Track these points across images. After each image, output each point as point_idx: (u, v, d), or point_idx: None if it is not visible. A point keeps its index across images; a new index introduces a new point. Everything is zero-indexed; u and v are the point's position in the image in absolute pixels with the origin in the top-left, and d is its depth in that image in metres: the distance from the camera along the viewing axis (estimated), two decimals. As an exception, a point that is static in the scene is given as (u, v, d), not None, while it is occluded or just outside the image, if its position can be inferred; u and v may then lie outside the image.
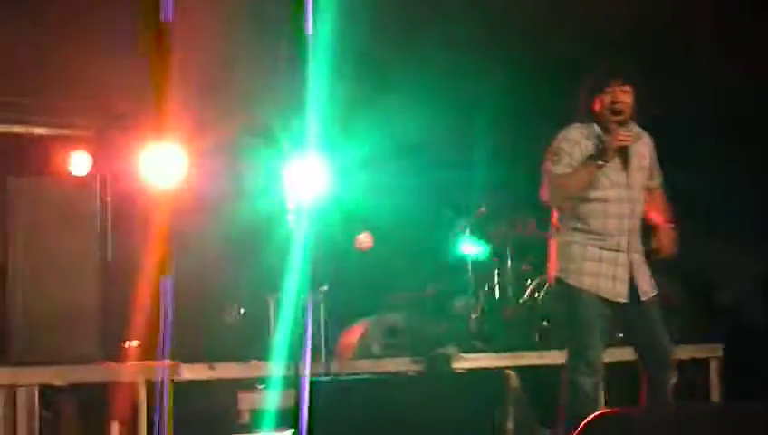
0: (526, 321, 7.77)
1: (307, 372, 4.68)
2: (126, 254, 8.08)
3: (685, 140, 7.37)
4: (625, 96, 5.06)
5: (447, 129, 9.07)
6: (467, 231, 8.12)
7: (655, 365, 5.02)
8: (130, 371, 6.26)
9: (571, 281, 5.03)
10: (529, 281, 8.00)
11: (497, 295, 8.04)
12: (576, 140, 5.07)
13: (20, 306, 5.87)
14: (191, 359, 6.69)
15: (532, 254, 8.23)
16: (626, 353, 5.58)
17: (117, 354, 6.45)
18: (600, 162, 4.97)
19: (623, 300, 5.02)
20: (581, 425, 3.60)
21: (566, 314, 5.11)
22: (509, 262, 8.02)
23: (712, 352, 7.61)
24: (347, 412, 4.10)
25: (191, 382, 6.59)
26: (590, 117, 5.13)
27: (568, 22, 8.32)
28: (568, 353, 5.09)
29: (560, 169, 5.03)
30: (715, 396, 7.59)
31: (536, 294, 7.83)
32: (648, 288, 5.09)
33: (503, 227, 8.22)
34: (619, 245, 5.05)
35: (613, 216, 5.04)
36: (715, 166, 7.95)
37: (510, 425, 3.50)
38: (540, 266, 8.04)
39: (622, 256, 5.04)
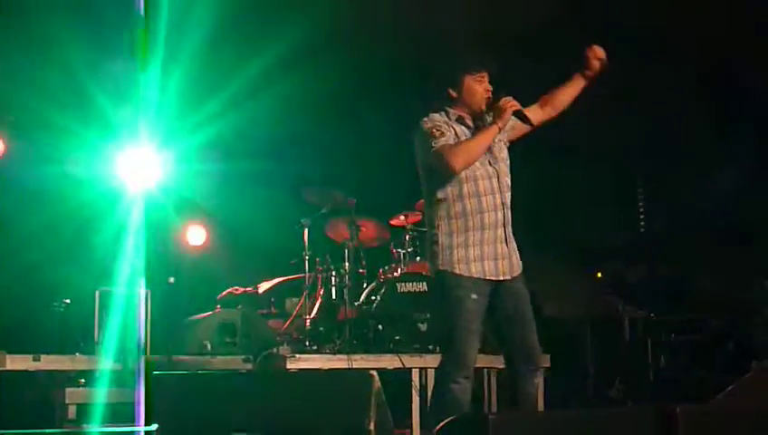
0: (361, 323, 7.73)
1: (141, 366, 4.52)
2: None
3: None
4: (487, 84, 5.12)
5: (288, 124, 9.00)
6: (308, 229, 8.00)
7: (526, 363, 4.95)
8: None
9: (458, 271, 4.87)
10: (365, 284, 7.97)
11: (333, 297, 7.96)
12: (446, 121, 5.04)
13: None
14: (15, 349, 6.44)
15: (369, 257, 8.24)
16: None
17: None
18: (500, 124, 4.95)
19: (507, 277, 4.97)
20: (439, 426, 3.58)
21: (447, 312, 4.88)
22: (346, 264, 7.95)
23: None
24: (186, 409, 3.95)
25: (16, 373, 6.33)
26: (449, 103, 5.11)
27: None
28: (445, 352, 4.95)
29: (450, 139, 4.96)
30: (540, 405, 7.72)
31: (372, 297, 7.81)
32: (518, 262, 5.08)
33: (343, 228, 8.16)
34: (497, 220, 4.99)
35: (486, 192, 4.99)
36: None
37: (372, 426, 3.43)
38: (376, 270, 8.11)
39: (500, 232, 4.99)
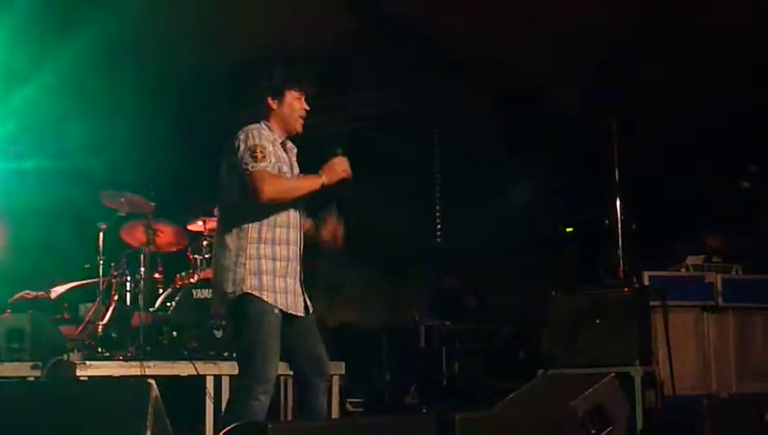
0: (156, 330, 7.63)
1: None
2: None
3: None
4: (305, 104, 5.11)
5: (88, 125, 8.83)
6: (103, 233, 7.85)
7: (316, 375, 5.00)
8: None
9: (264, 298, 4.80)
10: (161, 289, 7.88)
11: (128, 303, 7.83)
12: (270, 140, 4.93)
13: None
14: None
15: (166, 262, 8.15)
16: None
17: None
18: (326, 181, 4.90)
19: (301, 314, 4.97)
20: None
21: (248, 330, 4.79)
22: (142, 269, 7.83)
23: (335, 370, 7.79)
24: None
25: None
26: (265, 114, 5.07)
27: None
28: (244, 369, 4.84)
29: (270, 166, 4.83)
30: (336, 411, 7.80)
31: (168, 303, 7.72)
32: (309, 302, 5.09)
33: (139, 233, 8.04)
34: (290, 255, 4.97)
35: (290, 225, 4.95)
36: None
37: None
38: (172, 275, 8.01)
39: (292, 266, 4.97)
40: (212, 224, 8.11)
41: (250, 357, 4.81)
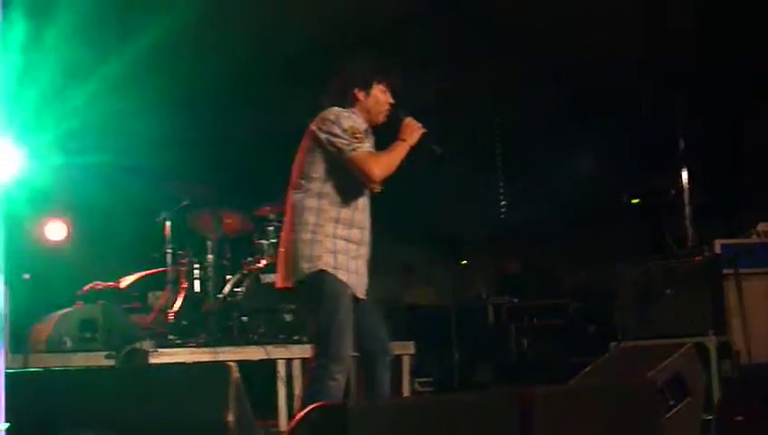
0: (225, 316, 7.67)
1: (1, 365, 4.39)
2: None
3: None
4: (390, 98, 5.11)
5: (151, 115, 8.87)
6: (170, 222, 7.89)
7: (380, 352, 5.02)
8: None
9: (339, 276, 4.83)
10: (229, 275, 7.90)
11: (197, 290, 7.87)
12: (361, 123, 4.98)
13: None
14: None
15: (233, 248, 8.17)
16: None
17: None
18: (411, 142, 4.92)
19: (364, 297, 5.00)
20: (298, 416, 3.57)
21: (324, 309, 4.81)
22: (209, 256, 7.86)
23: (404, 350, 7.79)
24: (41, 407, 3.85)
25: None
26: (350, 104, 5.08)
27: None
28: (321, 349, 4.83)
29: (367, 147, 4.92)
30: (407, 391, 7.81)
31: (236, 290, 7.75)
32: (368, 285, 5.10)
33: (205, 220, 8.07)
34: (363, 239, 5.02)
35: (361, 209, 4.99)
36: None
37: (231, 419, 3.39)
38: (239, 261, 8.04)
39: (363, 251, 5.02)
40: (278, 209, 8.14)
41: (326, 336, 4.81)
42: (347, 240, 4.93)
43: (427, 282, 10.77)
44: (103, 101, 8.26)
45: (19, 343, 6.92)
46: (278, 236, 7.92)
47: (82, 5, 7.61)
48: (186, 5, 7.79)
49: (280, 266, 5.07)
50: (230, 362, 3.54)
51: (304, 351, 7.15)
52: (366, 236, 5.05)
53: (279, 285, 5.06)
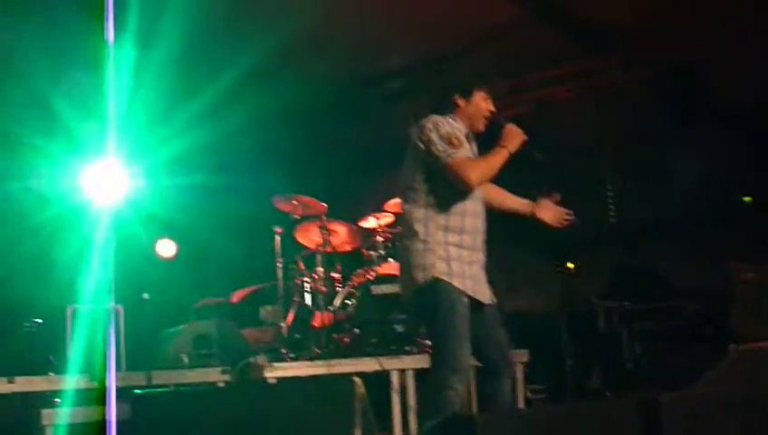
0: (337, 328, 7.68)
1: (113, 384, 4.45)
2: None
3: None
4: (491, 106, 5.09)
5: (254, 133, 8.95)
6: (279, 237, 7.92)
7: (501, 362, 4.97)
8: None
9: (455, 283, 4.80)
10: (339, 288, 7.91)
11: (308, 303, 7.89)
12: (460, 129, 4.97)
13: None
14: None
15: (342, 261, 8.18)
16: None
17: None
18: (511, 148, 4.90)
19: (486, 302, 4.96)
20: (432, 428, 3.54)
21: (440, 318, 4.78)
22: (319, 269, 7.88)
23: (518, 358, 7.71)
24: (168, 426, 3.89)
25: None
26: (450, 110, 5.06)
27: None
28: (438, 359, 4.82)
29: (464, 153, 4.89)
30: (521, 398, 7.73)
31: (347, 302, 7.75)
32: (490, 290, 5.06)
33: (314, 234, 8.10)
34: (475, 244, 4.99)
35: (471, 214, 4.96)
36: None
37: (358, 433, 3.39)
38: (349, 273, 8.05)
39: (478, 256, 4.99)
40: (385, 220, 8.14)
41: (443, 346, 4.79)
42: (459, 246, 4.89)
43: (533, 287, 10.64)
44: (209, 121, 8.37)
45: (139, 360, 7.01)
46: (386, 248, 8.01)
47: (187, 31, 7.73)
48: (286, 27, 7.85)
49: (399, 278, 5.09)
50: (355, 377, 3.53)
51: (417, 361, 7.14)
52: (479, 240, 4.99)
53: (401, 296, 5.07)
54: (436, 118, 4.97)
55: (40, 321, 7.58)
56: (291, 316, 7.83)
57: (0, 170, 8.29)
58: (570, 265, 10.38)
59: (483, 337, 4.92)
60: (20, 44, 7.88)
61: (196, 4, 7.60)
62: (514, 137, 4.97)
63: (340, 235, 8.21)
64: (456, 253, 4.87)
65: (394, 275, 7.74)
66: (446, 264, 4.83)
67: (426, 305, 4.88)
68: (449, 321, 4.78)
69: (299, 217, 8.02)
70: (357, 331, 7.62)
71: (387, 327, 7.61)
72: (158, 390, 6.26)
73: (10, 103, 8.02)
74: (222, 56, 8.15)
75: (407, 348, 7.40)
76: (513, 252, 9.75)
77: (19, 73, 8.00)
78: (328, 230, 7.98)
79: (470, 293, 4.85)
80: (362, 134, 9.28)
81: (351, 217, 8.28)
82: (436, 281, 4.81)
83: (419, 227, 4.90)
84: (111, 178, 7.05)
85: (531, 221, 5.33)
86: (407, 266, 4.93)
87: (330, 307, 7.76)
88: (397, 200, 8.03)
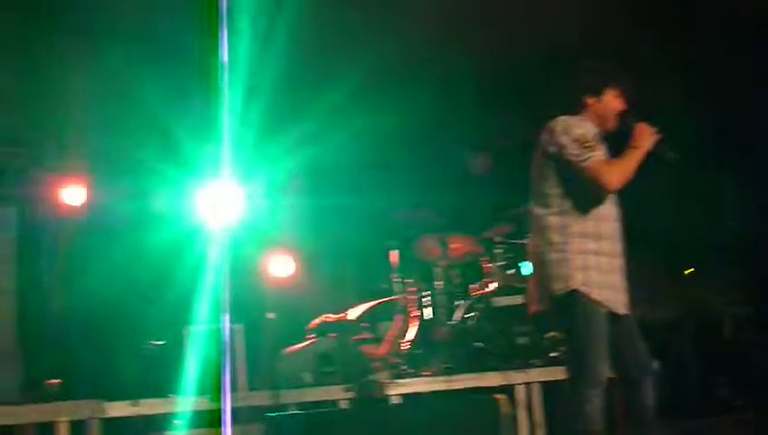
0: (458, 343, 7.55)
1: (227, 404, 4.42)
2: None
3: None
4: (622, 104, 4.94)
5: (366, 151, 8.92)
6: (396, 251, 7.83)
7: (643, 372, 4.81)
8: (52, 411, 5.90)
9: (593, 295, 4.67)
10: (459, 301, 7.78)
11: (428, 317, 7.78)
12: (592, 130, 4.83)
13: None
14: (112, 396, 6.38)
15: (461, 273, 8.06)
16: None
17: (37, 394, 6.10)
18: (645, 149, 4.76)
19: (624, 312, 4.81)
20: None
21: (577, 331, 4.67)
22: (438, 283, 7.77)
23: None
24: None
25: (116, 420, 6.28)
26: (580, 111, 4.92)
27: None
28: (576, 372, 4.68)
29: (599, 155, 4.75)
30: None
31: (467, 315, 7.62)
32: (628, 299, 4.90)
33: (432, 247, 7.99)
34: (614, 250, 4.84)
35: (607, 219, 4.82)
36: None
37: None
38: (468, 286, 7.92)
39: (617, 262, 4.84)
40: (503, 230, 8.00)
41: (580, 358, 4.64)
42: (597, 254, 4.73)
43: (654, 295, 10.38)
44: (323, 137, 8.36)
45: (261, 379, 6.98)
46: (506, 258, 7.87)
47: (299, 48, 7.75)
48: (400, 40, 7.80)
49: (531, 290, 4.92)
50: (498, 396, 3.41)
51: (543, 374, 6.98)
52: (618, 246, 4.83)
53: (532, 309, 4.91)
54: (565, 119, 4.83)
55: (159, 342, 7.61)
56: (411, 332, 7.72)
57: (119, 193, 8.39)
58: (689, 271, 10.14)
59: (621, 348, 4.76)
60: (137, 70, 7.99)
61: (308, 21, 7.62)
62: (647, 136, 4.81)
63: (459, 247, 8.08)
64: (595, 261, 4.71)
65: (515, 286, 7.63)
66: (584, 274, 4.68)
67: (562, 316, 4.73)
68: (587, 334, 4.64)
69: (416, 230, 7.92)
70: (479, 344, 7.47)
71: (510, 340, 7.44)
72: (294, 413, 6.21)
73: (129, 127, 8.12)
74: (333, 71, 8.12)
75: (531, 361, 7.24)
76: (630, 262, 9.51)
77: (136, 97, 8.09)
78: (446, 243, 7.86)
79: (608, 304, 4.69)
80: (476, 143, 9.14)
81: (470, 229, 8.15)
82: (574, 292, 4.66)
83: (555, 236, 4.75)
84: (226, 199, 7.05)
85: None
86: (542, 277, 4.78)
87: (450, 321, 7.63)
88: (517, 210, 7.93)
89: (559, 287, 4.69)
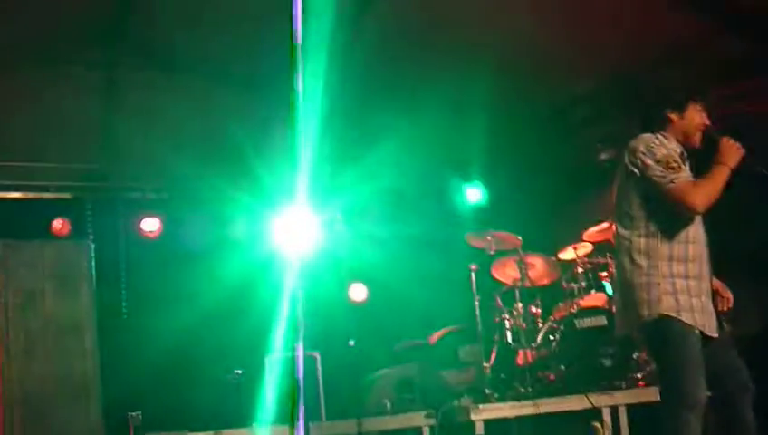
0: (542, 365, 7.40)
1: (301, 431, 4.32)
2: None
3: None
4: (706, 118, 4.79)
5: (435, 179, 8.88)
6: (475, 274, 7.70)
7: (741, 389, 4.64)
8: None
9: (684, 318, 4.48)
10: (541, 323, 7.64)
11: (509, 341, 7.64)
12: (675, 149, 4.69)
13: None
14: (196, 426, 6.38)
15: (541, 295, 7.91)
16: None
17: (120, 426, 6.11)
18: (732, 165, 4.56)
19: (715, 335, 4.61)
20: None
21: (671, 355, 4.50)
22: (518, 305, 7.64)
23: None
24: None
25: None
26: (662, 127, 4.78)
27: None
28: (672, 396, 4.50)
29: (685, 175, 4.59)
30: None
31: (550, 337, 7.47)
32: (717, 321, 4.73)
33: (511, 269, 7.87)
34: (702, 272, 4.69)
35: (694, 240, 4.65)
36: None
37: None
38: (550, 308, 7.77)
39: (705, 285, 4.68)
40: (584, 250, 7.85)
41: (675, 382, 4.46)
42: (685, 277, 4.56)
43: (740, 309, 10.10)
44: (397, 164, 8.33)
45: (342, 406, 6.93)
46: (587, 279, 7.71)
47: (361, 86, 7.74)
48: (472, 63, 7.74)
49: (617, 313, 4.78)
50: (596, 424, 3.29)
51: (629, 396, 6.81)
52: (705, 268, 4.65)
53: (618, 332, 4.77)
54: (647, 138, 4.66)
55: (240, 372, 7.59)
56: (493, 355, 7.59)
57: (197, 222, 8.43)
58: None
59: (716, 367, 4.59)
60: (220, 99, 8.05)
61: (382, 48, 7.60)
62: (733, 152, 4.64)
63: (538, 268, 7.95)
64: (683, 285, 4.55)
65: (597, 308, 7.47)
66: (673, 298, 4.52)
67: (652, 341, 4.59)
68: (681, 360, 4.47)
69: (494, 253, 7.79)
70: (563, 367, 7.31)
71: (594, 362, 7.27)
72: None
73: (208, 155, 8.17)
74: (406, 100, 8.10)
75: (616, 383, 7.06)
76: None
77: (217, 128, 8.15)
78: (525, 264, 7.73)
79: (700, 327, 4.53)
80: (556, 162, 9.01)
81: (549, 249, 8.01)
82: (664, 317, 4.51)
83: (641, 259, 4.59)
84: (302, 227, 7.06)
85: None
86: (628, 301, 4.62)
87: (532, 344, 7.49)
88: (596, 228, 7.78)
89: (648, 313, 4.54)
